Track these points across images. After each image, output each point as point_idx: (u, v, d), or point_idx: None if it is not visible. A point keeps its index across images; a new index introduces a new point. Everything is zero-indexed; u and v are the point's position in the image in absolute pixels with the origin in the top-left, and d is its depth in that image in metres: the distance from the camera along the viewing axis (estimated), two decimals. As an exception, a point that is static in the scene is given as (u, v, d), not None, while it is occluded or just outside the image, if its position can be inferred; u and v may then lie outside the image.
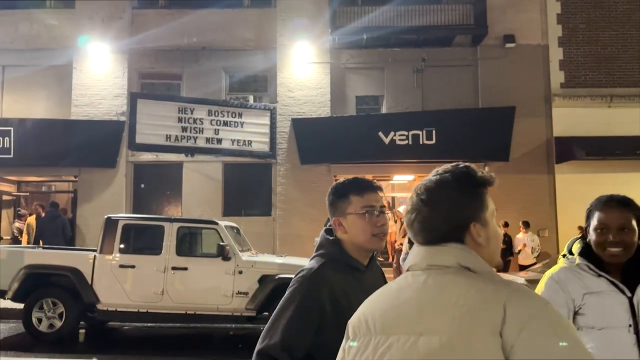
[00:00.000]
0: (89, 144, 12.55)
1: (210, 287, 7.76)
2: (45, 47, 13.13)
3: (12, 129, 12.50)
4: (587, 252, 2.11)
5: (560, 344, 1.11)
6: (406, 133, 12.55)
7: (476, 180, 1.33)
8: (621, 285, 2.00)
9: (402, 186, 14.28)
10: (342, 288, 1.79)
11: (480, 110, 12.92)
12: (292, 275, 1.88)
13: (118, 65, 13.33)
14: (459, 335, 1.15)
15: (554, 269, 2.17)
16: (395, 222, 12.02)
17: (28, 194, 14.57)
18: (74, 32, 13.12)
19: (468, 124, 12.38)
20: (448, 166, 1.36)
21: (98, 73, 13.30)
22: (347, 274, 1.84)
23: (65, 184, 14.39)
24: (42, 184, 14.98)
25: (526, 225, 11.55)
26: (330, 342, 1.66)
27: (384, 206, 1.92)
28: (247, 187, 13.26)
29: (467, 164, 1.36)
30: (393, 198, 14.59)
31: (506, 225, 11.34)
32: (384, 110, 13.57)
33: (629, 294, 1.98)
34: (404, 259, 10.34)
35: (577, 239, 2.21)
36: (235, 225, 8.92)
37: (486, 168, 12.79)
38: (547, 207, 12.71)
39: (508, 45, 13.14)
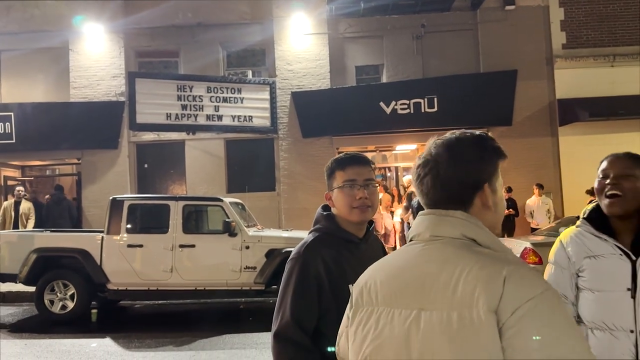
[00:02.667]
0: (90, 126, 12.55)
1: (218, 263, 7.85)
2: (39, 29, 13.01)
3: (12, 113, 12.48)
4: (595, 216, 2.11)
5: (553, 332, 1.09)
6: (407, 102, 12.46)
7: (495, 147, 1.34)
8: (625, 249, 1.98)
9: (405, 155, 14.26)
10: (336, 260, 1.85)
11: (482, 75, 12.79)
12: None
13: (114, 45, 13.22)
14: (459, 311, 1.14)
15: (566, 232, 2.19)
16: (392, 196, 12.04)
17: (32, 178, 14.62)
18: (67, 13, 12.98)
19: (469, 90, 12.28)
20: (464, 130, 1.37)
21: (95, 54, 13.20)
22: (341, 247, 1.90)
23: (68, 167, 14.42)
24: (46, 168, 15.01)
25: (540, 187, 11.51)
26: (329, 311, 1.75)
27: (371, 179, 1.96)
28: (250, 163, 13.26)
29: (481, 131, 1.38)
30: (396, 168, 14.59)
31: (509, 190, 11.34)
32: (384, 79, 13.46)
33: (634, 258, 1.96)
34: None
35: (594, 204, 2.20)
36: (240, 202, 8.96)
37: (489, 134, 12.72)
38: (551, 170, 12.70)
39: (508, 7, 12.94)
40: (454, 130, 1.36)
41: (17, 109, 12.52)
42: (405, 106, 12.48)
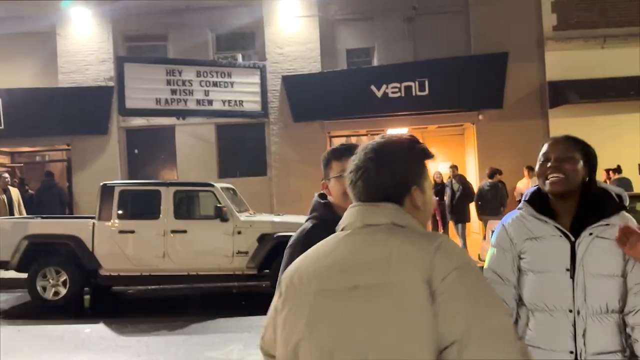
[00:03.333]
0: (79, 112, 12.47)
1: (210, 249, 7.89)
2: (26, 13, 12.81)
3: (0, 99, 12.36)
4: (535, 198, 2.15)
5: (479, 297, 1.18)
6: (398, 85, 12.45)
7: (421, 149, 1.42)
8: (565, 230, 2.03)
9: (396, 139, 14.26)
10: None
11: (473, 58, 12.77)
12: (291, 233, 2.04)
13: (102, 29, 13.08)
14: (393, 284, 1.19)
15: (508, 215, 2.24)
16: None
17: (22, 164, 14.52)
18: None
19: (461, 73, 12.27)
20: (394, 134, 1.46)
21: (82, 38, 13.07)
22: None
23: (59, 153, 14.33)
24: (36, 154, 14.90)
25: (531, 169, 11.57)
26: None
27: None
28: (242, 148, 13.24)
29: (409, 135, 1.46)
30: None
31: (499, 172, 11.38)
32: (375, 62, 13.42)
33: (573, 239, 2.01)
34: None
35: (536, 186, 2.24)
36: (232, 187, 8.98)
37: (480, 116, 12.81)
38: (541, 153, 12.75)
39: (499, -11, 12.88)
40: (384, 134, 1.44)
41: (5, 95, 12.41)
42: (397, 89, 12.47)
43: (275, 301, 1.40)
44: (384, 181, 1.35)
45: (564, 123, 12.53)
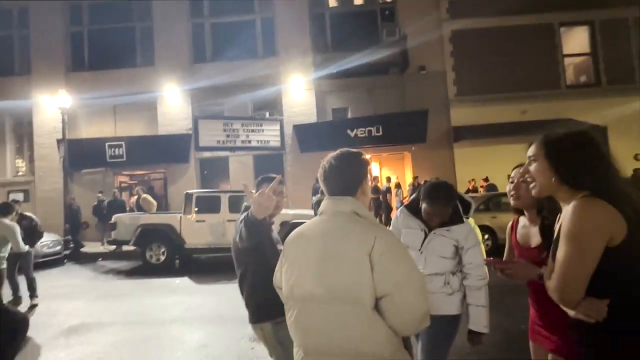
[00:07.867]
0: (171, 149, 12.67)
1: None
2: (138, 90, 13.07)
3: (123, 143, 12.60)
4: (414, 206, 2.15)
5: (403, 265, 1.17)
6: (364, 129, 12.59)
7: (365, 159, 1.39)
8: (422, 226, 2.06)
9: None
10: None
11: (408, 112, 12.78)
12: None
13: (185, 101, 13.34)
14: (348, 252, 1.18)
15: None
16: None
17: (137, 182, 14.67)
18: (154, 82, 13.06)
19: (401, 121, 12.40)
20: (345, 149, 1.40)
21: (173, 105, 13.32)
22: None
23: (159, 174, 14.48)
24: (145, 175, 15.05)
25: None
26: None
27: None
28: (268, 170, 13.25)
29: (357, 149, 1.41)
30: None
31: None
32: (349, 116, 13.63)
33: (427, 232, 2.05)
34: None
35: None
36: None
37: (413, 148, 12.87)
38: (450, 170, 12.89)
39: (422, 72, 13.10)
40: (341, 150, 1.39)
41: (127, 140, 12.63)
42: (363, 132, 12.59)
43: (281, 255, 1.39)
44: (346, 180, 1.30)
45: (463, 152, 12.73)
